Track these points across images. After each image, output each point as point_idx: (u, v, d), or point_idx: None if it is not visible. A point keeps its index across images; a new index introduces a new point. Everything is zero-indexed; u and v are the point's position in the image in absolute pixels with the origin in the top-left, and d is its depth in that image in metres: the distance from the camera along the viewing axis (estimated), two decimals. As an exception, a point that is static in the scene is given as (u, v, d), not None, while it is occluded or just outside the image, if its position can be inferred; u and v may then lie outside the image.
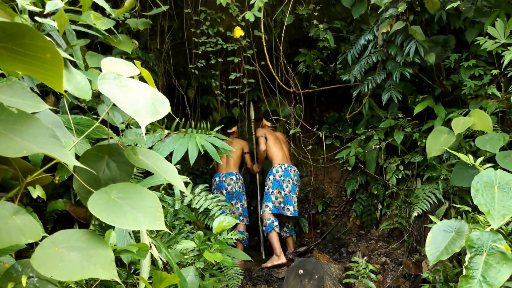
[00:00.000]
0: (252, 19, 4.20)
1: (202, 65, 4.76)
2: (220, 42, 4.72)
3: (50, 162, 1.50)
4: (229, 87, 5.07)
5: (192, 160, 3.38)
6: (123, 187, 1.42)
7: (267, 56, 4.59)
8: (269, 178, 4.80)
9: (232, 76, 4.89)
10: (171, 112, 1.42)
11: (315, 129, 5.22)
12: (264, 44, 4.53)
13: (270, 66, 4.67)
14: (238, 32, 4.47)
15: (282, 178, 4.75)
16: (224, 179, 4.81)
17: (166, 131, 3.69)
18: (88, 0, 2.47)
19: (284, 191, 4.72)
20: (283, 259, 4.45)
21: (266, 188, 4.79)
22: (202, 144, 3.49)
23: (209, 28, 4.66)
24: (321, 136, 5.20)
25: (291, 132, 5.13)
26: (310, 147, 5.30)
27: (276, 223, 4.60)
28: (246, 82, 5.01)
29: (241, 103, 5.29)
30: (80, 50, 2.98)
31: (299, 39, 5.30)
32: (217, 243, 2.86)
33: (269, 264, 4.48)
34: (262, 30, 4.50)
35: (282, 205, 4.69)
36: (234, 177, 4.82)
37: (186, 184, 3.38)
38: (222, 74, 5.17)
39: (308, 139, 5.40)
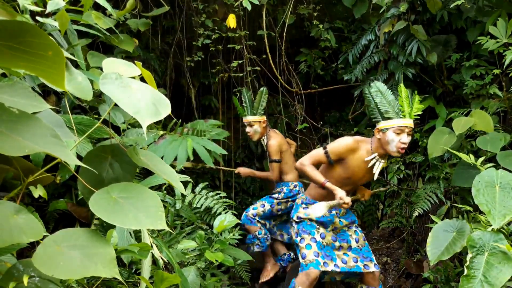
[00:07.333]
0: (249, 7, 4.00)
1: (200, 58, 4.66)
2: (205, 36, 4.57)
3: (51, 162, 1.51)
4: (206, 81, 4.86)
5: (180, 165, 3.46)
6: (124, 187, 1.43)
7: (269, 56, 4.57)
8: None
9: (214, 70, 4.71)
10: (170, 114, 1.43)
11: (319, 125, 5.22)
12: (266, 43, 4.52)
13: (273, 65, 4.66)
14: (232, 21, 4.15)
15: None
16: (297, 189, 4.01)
17: (161, 132, 3.71)
18: (89, 0, 2.47)
19: None
20: None
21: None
22: (194, 147, 3.54)
23: (206, 19, 4.55)
24: (326, 131, 5.19)
25: (299, 127, 5.08)
26: (318, 145, 5.29)
27: None
28: (227, 76, 4.84)
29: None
30: (81, 50, 2.99)
31: (300, 39, 5.29)
32: (218, 242, 2.87)
33: None
34: (264, 28, 4.47)
35: None
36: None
37: (186, 183, 3.38)
38: (222, 72, 5.14)
39: (311, 139, 5.40)
